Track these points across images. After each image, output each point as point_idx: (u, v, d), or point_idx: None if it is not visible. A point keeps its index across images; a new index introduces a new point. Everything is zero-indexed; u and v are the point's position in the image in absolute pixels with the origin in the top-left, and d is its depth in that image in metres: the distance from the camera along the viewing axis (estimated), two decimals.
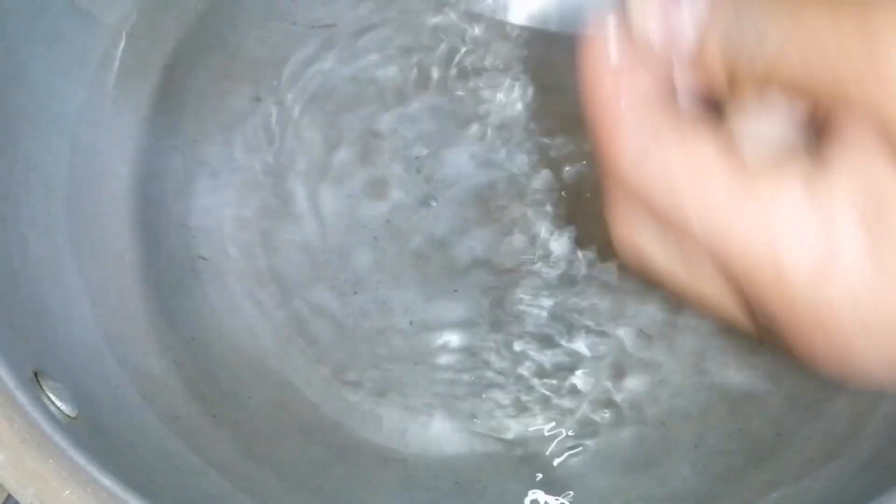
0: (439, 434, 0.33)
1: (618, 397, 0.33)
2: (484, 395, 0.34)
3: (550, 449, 0.33)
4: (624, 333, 0.34)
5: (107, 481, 0.23)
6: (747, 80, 0.16)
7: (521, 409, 0.34)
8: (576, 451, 0.33)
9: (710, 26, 0.16)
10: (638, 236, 0.18)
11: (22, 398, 0.25)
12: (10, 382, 0.25)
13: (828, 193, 0.15)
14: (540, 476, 0.32)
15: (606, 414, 0.33)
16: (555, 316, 0.35)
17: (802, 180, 0.15)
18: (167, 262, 0.34)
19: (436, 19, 0.39)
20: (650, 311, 0.34)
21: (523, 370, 0.34)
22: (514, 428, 0.34)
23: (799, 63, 0.15)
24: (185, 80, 0.37)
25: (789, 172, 0.15)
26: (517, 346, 0.34)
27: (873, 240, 0.15)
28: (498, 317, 0.35)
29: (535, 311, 0.35)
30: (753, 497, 0.29)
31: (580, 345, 0.34)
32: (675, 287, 0.18)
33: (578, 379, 0.34)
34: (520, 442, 0.33)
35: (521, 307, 0.35)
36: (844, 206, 0.15)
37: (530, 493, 0.32)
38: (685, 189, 0.16)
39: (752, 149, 0.16)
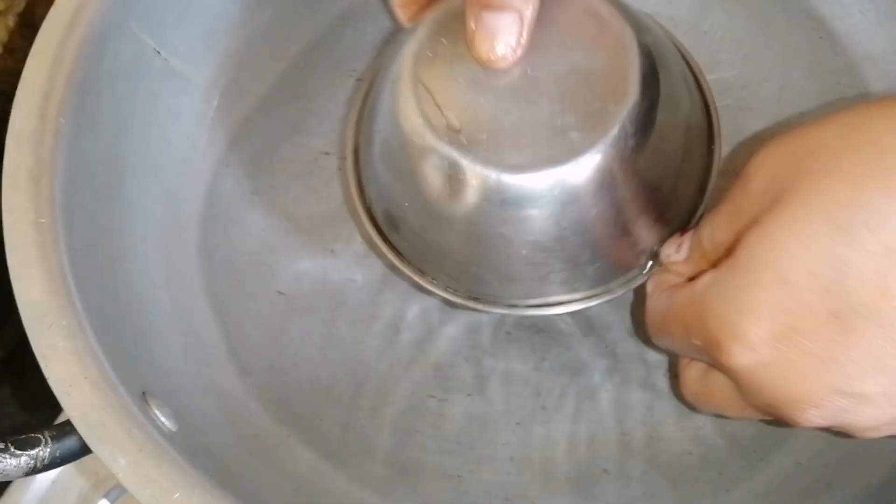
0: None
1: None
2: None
3: None
4: None
5: (210, 485, 0.27)
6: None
7: None
8: None
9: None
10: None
11: (137, 413, 0.28)
12: (127, 399, 0.28)
13: None
14: None
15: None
16: None
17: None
18: (249, 297, 0.38)
19: None
20: None
21: None
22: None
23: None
24: (262, 131, 0.42)
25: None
26: None
27: None
28: None
29: None
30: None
31: None
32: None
33: None
34: None
35: None
36: None
37: None
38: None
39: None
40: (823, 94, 0.40)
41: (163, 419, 0.30)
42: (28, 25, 0.47)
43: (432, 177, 0.29)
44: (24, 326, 0.29)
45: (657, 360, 0.37)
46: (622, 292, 0.32)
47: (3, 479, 0.28)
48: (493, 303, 0.33)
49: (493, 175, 0.28)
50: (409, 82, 0.29)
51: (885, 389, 0.23)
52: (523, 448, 0.36)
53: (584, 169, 0.28)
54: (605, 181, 0.28)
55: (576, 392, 0.37)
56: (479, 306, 0.33)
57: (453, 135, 0.28)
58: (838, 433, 0.26)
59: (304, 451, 0.35)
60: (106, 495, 0.39)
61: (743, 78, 0.41)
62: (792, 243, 0.24)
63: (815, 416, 0.24)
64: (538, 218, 0.29)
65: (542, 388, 0.37)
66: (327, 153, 0.42)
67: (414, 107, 0.29)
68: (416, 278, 0.33)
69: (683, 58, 0.34)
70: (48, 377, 0.28)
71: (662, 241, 0.32)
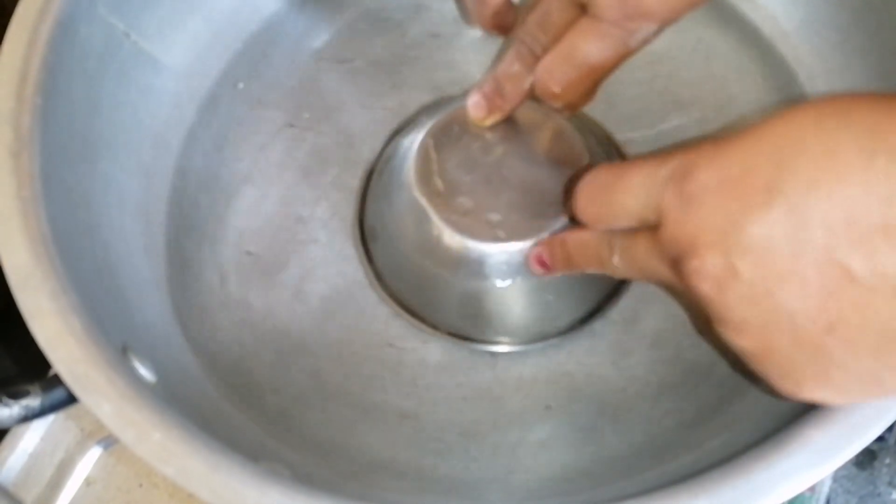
0: None
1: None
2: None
3: None
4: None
5: (188, 426, 0.30)
6: None
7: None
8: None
9: None
10: None
11: (118, 365, 0.31)
12: (108, 351, 0.31)
13: None
14: None
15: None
16: None
17: None
18: (219, 258, 0.41)
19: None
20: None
21: None
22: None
23: None
24: (227, 107, 0.44)
25: None
26: None
27: None
28: None
29: None
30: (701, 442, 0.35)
31: None
32: None
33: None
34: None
35: None
36: None
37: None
38: None
39: None
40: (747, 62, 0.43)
41: (142, 371, 0.33)
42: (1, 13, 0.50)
43: (409, 216, 0.38)
44: (11, 289, 0.32)
45: None
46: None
47: None
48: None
49: (447, 231, 0.37)
50: (422, 147, 0.38)
51: (750, 282, 0.25)
52: (475, 389, 0.39)
53: (501, 252, 0.37)
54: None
55: None
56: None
57: (434, 195, 0.37)
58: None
59: (274, 396, 0.38)
60: (98, 443, 0.42)
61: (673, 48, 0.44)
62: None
63: (697, 270, 0.25)
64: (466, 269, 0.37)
65: None
66: (291, 125, 0.45)
67: (417, 165, 0.38)
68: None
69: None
70: (35, 335, 0.31)
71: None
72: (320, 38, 0.46)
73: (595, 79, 0.34)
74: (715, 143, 0.26)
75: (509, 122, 0.39)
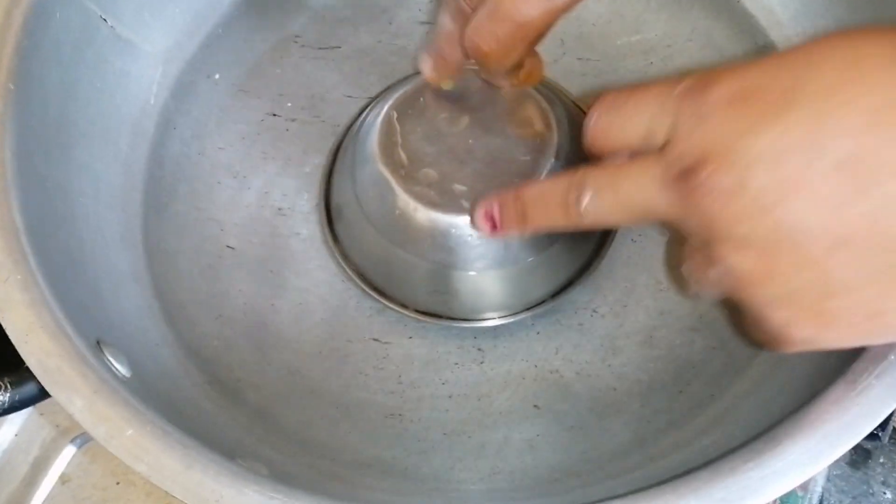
0: None
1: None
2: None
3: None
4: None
5: (162, 422, 0.29)
6: None
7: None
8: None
9: None
10: None
11: (91, 359, 0.30)
12: (81, 346, 0.30)
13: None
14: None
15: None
16: None
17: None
18: (199, 251, 0.40)
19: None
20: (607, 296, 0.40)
21: None
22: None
23: None
24: (208, 94, 0.43)
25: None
26: None
27: None
28: None
29: None
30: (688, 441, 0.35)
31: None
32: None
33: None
34: None
35: None
36: None
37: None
38: None
39: None
40: (741, 52, 0.43)
41: (117, 366, 0.32)
42: None
43: (373, 190, 0.37)
44: None
45: (585, 300, 0.39)
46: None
47: None
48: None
49: (412, 203, 0.36)
50: (385, 118, 0.37)
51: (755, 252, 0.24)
52: (461, 386, 0.38)
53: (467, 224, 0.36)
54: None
55: (509, 334, 0.39)
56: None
57: (398, 166, 0.36)
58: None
59: (252, 393, 0.37)
60: (72, 441, 0.41)
61: (667, 37, 0.43)
62: None
63: (703, 184, 0.25)
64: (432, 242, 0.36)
65: (478, 331, 0.39)
66: (274, 115, 0.44)
67: (380, 137, 0.37)
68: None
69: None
70: (6, 327, 0.30)
71: None
72: (304, 24, 0.45)
73: (525, 39, 0.32)
74: (733, 64, 0.25)
75: (475, 93, 0.38)
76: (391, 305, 0.39)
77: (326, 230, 0.41)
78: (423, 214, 0.36)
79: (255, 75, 0.44)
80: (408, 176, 0.36)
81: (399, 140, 0.37)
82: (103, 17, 0.39)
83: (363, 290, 0.39)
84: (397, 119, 0.37)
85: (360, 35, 0.45)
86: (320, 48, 0.45)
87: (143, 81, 0.41)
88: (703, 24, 0.43)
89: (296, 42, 0.45)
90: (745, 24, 0.42)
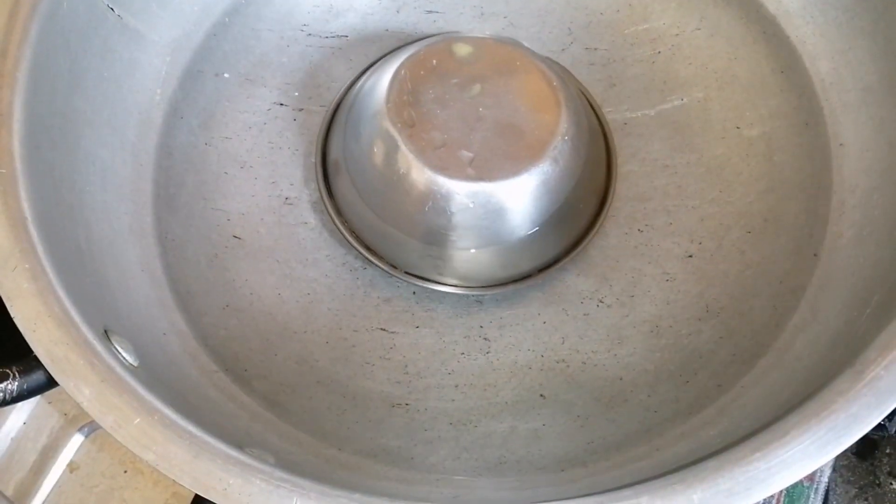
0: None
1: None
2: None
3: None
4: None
5: (169, 412, 0.29)
6: None
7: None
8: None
9: None
10: None
11: (99, 348, 0.30)
12: (89, 335, 0.30)
13: None
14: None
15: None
16: None
17: None
18: (205, 241, 0.40)
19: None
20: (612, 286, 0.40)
21: None
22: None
23: None
24: (215, 84, 0.43)
25: None
26: None
27: None
28: None
29: None
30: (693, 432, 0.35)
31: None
32: None
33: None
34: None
35: None
36: None
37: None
38: None
39: None
40: (750, 41, 0.42)
41: (124, 354, 0.32)
42: None
43: (377, 147, 0.37)
44: None
45: (590, 290, 0.39)
46: None
47: None
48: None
49: (416, 164, 0.36)
50: (396, 76, 0.37)
51: None
52: (467, 376, 0.38)
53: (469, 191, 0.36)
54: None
55: (515, 323, 0.39)
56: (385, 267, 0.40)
57: (406, 125, 0.36)
58: None
59: (260, 383, 0.37)
60: (80, 430, 0.41)
61: (675, 26, 0.43)
62: None
63: None
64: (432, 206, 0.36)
65: (484, 320, 0.39)
66: (281, 104, 0.44)
67: (389, 94, 0.37)
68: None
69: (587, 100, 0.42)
70: (14, 316, 0.30)
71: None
72: (310, 13, 0.44)
73: None
74: None
75: (489, 63, 0.38)
76: (381, 265, 0.39)
77: (322, 185, 0.41)
78: (428, 176, 0.35)
79: (263, 65, 0.44)
80: (416, 135, 0.36)
81: (409, 99, 0.36)
82: (111, 6, 0.39)
83: (356, 251, 0.40)
84: (409, 79, 0.37)
85: (368, 24, 0.45)
86: (327, 37, 0.45)
87: (151, 71, 0.41)
88: (712, 12, 0.43)
89: (303, 31, 0.45)
90: (753, 13, 0.42)
